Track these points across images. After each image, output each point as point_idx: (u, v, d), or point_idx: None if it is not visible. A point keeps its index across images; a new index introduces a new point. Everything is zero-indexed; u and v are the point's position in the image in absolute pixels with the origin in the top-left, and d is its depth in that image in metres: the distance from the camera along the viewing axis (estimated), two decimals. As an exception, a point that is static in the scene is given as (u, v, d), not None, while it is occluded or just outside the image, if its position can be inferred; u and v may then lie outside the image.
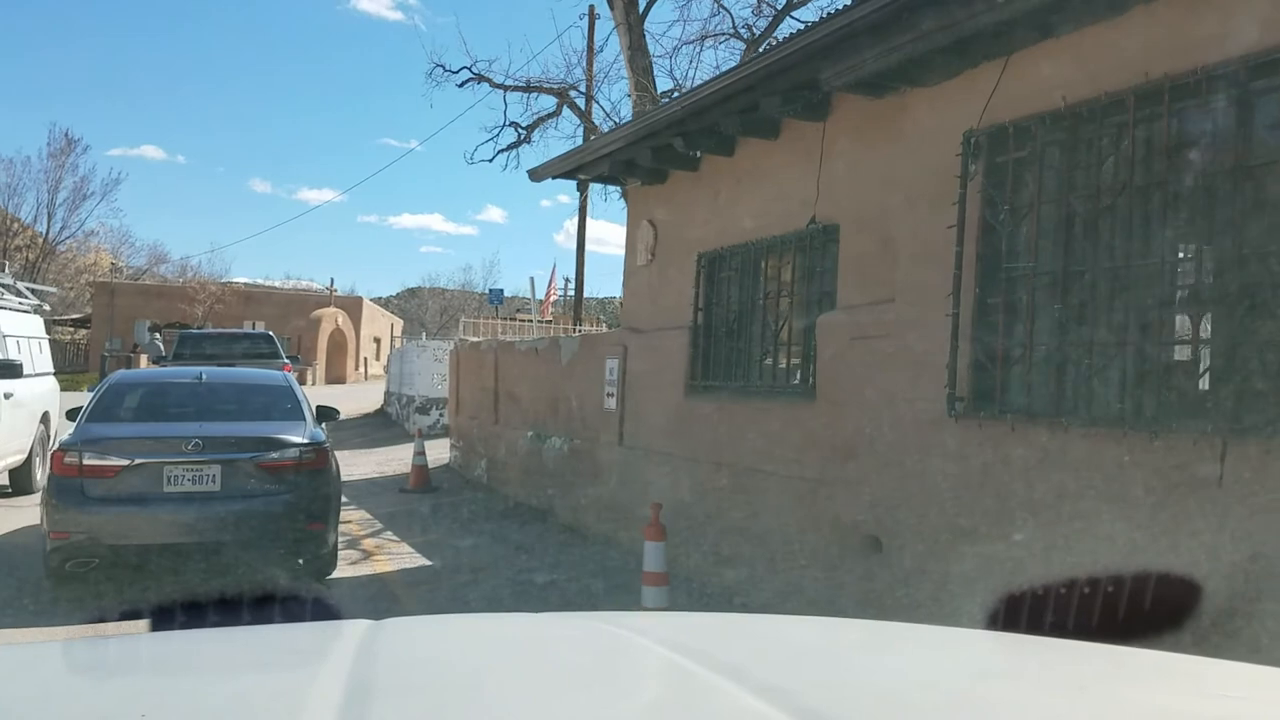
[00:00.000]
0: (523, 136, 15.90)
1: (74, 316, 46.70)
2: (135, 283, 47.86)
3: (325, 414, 8.11)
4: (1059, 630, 1.79)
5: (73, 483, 6.49)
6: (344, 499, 11.47)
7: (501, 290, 37.07)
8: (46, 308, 12.60)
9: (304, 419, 7.40)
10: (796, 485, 6.09)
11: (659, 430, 8.04)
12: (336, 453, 15.10)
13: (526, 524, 9.69)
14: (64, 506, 6.47)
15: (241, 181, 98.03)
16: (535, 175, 9.17)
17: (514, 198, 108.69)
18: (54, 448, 11.14)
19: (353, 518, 10.23)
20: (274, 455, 6.82)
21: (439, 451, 14.34)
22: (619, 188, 9.63)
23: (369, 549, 8.69)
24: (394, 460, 14.73)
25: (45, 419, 11.21)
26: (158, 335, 25.39)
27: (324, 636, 1.68)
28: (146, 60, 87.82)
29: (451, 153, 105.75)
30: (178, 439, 6.74)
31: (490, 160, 16.13)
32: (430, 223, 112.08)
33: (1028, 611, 2.84)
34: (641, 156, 7.72)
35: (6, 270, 11.53)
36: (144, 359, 31.34)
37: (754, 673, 1.26)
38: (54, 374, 12.17)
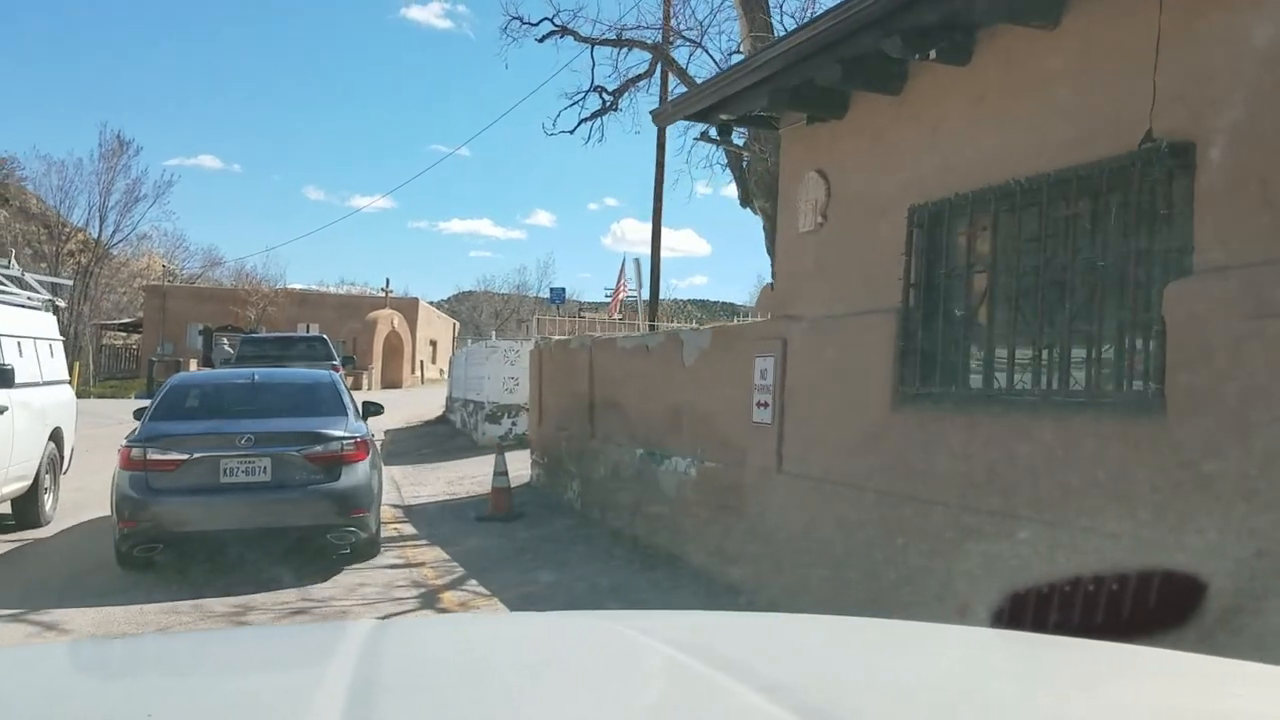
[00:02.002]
0: (609, 103, 13.72)
1: (125, 321, 45.73)
2: (186, 286, 46.76)
3: (370, 409, 8.60)
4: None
5: (139, 476, 7.03)
6: (413, 530, 9.54)
7: (563, 289, 35.13)
8: (61, 303, 10.73)
9: (346, 414, 7.86)
10: (1135, 551, 3.87)
11: (844, 454, 5.88)
12: (398, 467, 13.43)
13: (647, 569, 7.56)
14: (131, 497, 6.99)
15: (296, 189, 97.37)
16: (661, 117, 7.04)
17: (562, 201, 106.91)
18: (67, 456, 9.39)
19: (426, 557, 8.20)
20: (319, 448, 7.33)
21: (517, 466, 12.24)
22: (757, 131, 7.43)
23: (451, 607, 6.63)
24: (466, 478, 12.71)
25: (57, 436, 9.33)
26: (225, 340, 26.46)
27: (330, 636, 1.74)
28: (202, 71, 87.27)
29: (500, 157, 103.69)
30: (232, 434, 7.27)
31: (572, 131, 14.05)
32: (479, 227, 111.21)
33: None
34: (825, 73, 5.54)
35: (13, 260, 9.65)
36: (193, 364, 30.02)
37: (758, 670, 1.26)
38: (69, 382, 10.29)
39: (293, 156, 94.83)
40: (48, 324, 9.70)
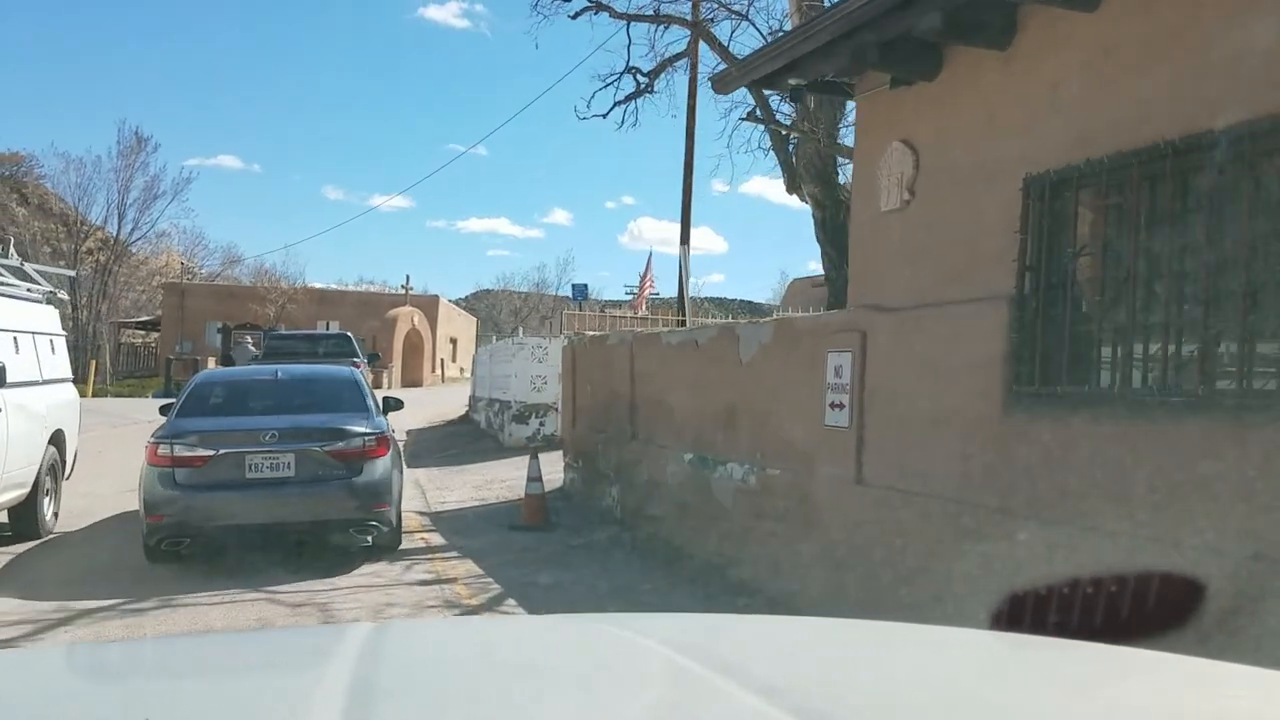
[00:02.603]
0: (644, 85, 12.99)
1: (144, 319, 45.36)
2: (205, 284, 46.34)
3: (390, 404, 8.89)
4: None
5: (166, 472, 7.14)
6: (442, 541, 8.84)
7: (585, 285, 34.41)
8: (63, 295, 10.06)
9: (367, 410, 8.03)
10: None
11: (942, 463, 5.12)
12: (422, 470, 12.83)
13: (703, 589, 6.82)
14: (159, 492, 7.10)
15: (315, 188, 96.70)
16: (722, 84, 6.26)
17: (579, 200, 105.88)
18: (69, 461, 8.75)
19: (457, 572, 7.50)
20: (341, 444, 7.46)
21: (547, 470, 11.48)
22: (836, 98, 6.65)
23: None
24: (495, 482, 12.00)
25: (58, 439, 8.67)
26: (248, 339, 26.81)
27: (327, 639, 1.74)
28: (221, 72, 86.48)
29: (518, 156, 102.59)
30: (257, 431, 7.42)
31: (605, 115, 13.33)
32: (497, 226, 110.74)
33: None
34: (925, 22, 4.78)
35: (11, 249, 9.00)
36: (211, 362, 29.55)
37: (755, 672, 1.25)
38: (73, 380, 9.63)
39: (312, 156, 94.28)
40: (48, 318, 9.05)
